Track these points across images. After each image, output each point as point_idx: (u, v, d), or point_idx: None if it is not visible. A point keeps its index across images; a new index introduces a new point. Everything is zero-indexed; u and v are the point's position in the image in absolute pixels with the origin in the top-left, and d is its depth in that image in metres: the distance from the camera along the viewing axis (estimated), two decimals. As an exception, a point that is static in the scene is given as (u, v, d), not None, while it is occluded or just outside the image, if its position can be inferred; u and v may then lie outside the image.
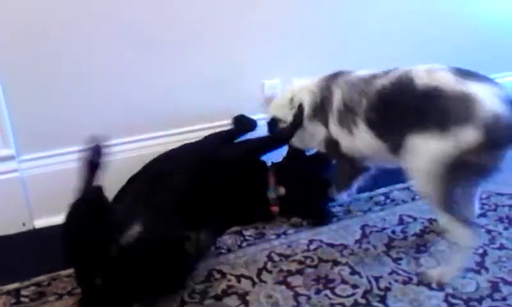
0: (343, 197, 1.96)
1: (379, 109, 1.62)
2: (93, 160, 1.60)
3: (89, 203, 1.51)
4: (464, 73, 1.50)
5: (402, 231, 1.85)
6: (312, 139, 1.89)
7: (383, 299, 1.55)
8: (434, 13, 2.37)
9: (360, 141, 1.70)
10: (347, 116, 1.71)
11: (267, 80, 2.16)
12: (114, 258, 1.45)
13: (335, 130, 1.77)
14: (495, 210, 1.94)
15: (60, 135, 1.83)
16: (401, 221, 1.91)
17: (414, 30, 2.35)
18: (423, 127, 1.48)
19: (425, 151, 1.47)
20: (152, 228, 1.53)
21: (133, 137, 2.01)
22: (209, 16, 1.96)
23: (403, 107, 1.55)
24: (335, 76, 1.80)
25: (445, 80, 1.49)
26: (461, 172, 1.46)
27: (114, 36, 1.85)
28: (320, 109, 1.81)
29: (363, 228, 1.87)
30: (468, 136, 1.40)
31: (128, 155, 1.97)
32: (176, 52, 1.97)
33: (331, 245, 1.79)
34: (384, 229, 1.87)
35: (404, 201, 2.04)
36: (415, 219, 1.91)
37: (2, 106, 1.76)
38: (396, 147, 1.58)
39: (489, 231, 1.82)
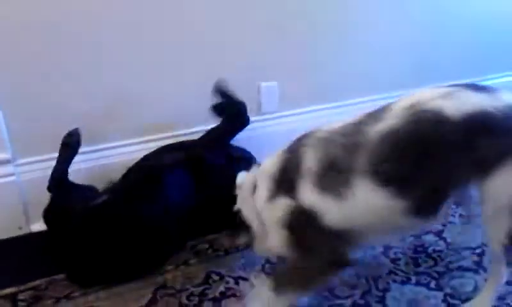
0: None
1: (398, 158, 1.25)
2: (67, 142, 1.73)
3: (53, 184, 1.68)
4: (483, 89, 1.32)
5: (400, 232, 1.85)
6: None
7: (381, 300, 1.55)
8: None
9: (360, 205, 1.28)
10: (332, 176, 1.29)
11: (264, 82, 2.16)
12: (82, 215, 1.59)
13: (313, 198, 1.30)
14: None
15: (56, 138, 1.81)
16: (399, 222, 1.90)
17: (413, 37, 2.37)
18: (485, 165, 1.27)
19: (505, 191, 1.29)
20: (120, 198, 1.65)
21: (130, 140, 2.01)
22: (205, 17, 1.96)
23: (439, 148, 1.25)
24: (299, 139, 1.39)
25: (477, 99, 1.27)
26: None
27: (111, 38, 1.85)
28: (284, 181, 1.36)
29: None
30: None
31: (124, 158, 1.96)
32: (171, 54, 1.96)
33: (329, 247, 1.78)
34: (382, 230, 1.86)
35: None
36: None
37: (-3, 109, 1.75)
38: (428, 202, 1.31)
39: (487, 231, 1.82)
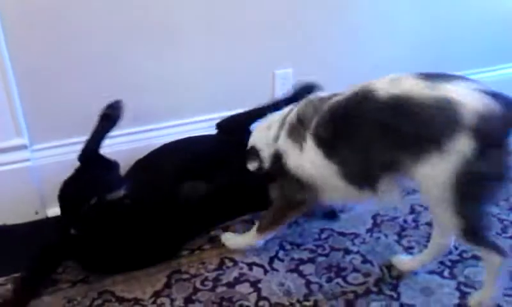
0: (258, 242, 1.71)
1: (329, 126, 1.44)
2: (108, 114, 1.71)
3: (84, 156, 1.67)
4: (434, 77, 1.32)
5: (414, 220, 1.85)
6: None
7: (395, 287, 1.55)
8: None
9: (307, 158, 1.50)
10: (298, 129, 1.53)
11: (279, 70, 2.16)
12: (95, 210, 1.57)
13: (283, 144, 1.58)
14: (506, 199, 1.93)
15: (73, 124, 1.83)
16: (413, 210, 1.90)
17: (417, 25, 2.35)
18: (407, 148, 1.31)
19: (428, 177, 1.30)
20: (137, 194, 1.63)
21: (145, 126, 2.02)
22: (220, 4, 1.96)
23: (360, 124, 1.37)
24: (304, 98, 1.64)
25: (410, 85, 1.31)
26: (471, 190, 1.29)
27: (128, 25, 1.85)
28: (280, 129, 1.63)
29: (374, 217, 1.87)
30: (461, 146, 1.24)
31: (137, 145, 1.98)
32: (187, 42, 1.96)
33: (343, 234, 1.79)
34: (395, 218, 1.86)
35: (415, 190, 2.02)
36: (426, 208, 1.89)
37: (14, 95, 1.76)
38: (357, 173, 1.43)
39: (501, 221, 1.81)
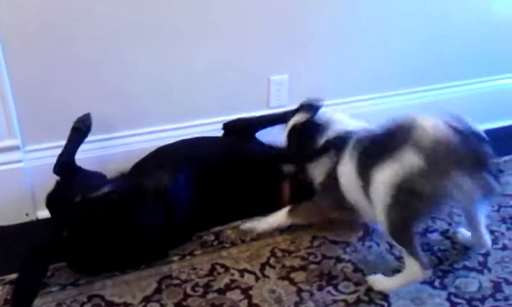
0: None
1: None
2: (78, 127, 1.75)
3: (59, 167, 1.72)
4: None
5: (406, 230, 1.85)
6: None
7: (385, 297, 1.55)
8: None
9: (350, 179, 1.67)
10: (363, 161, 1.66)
11: (274, 76, 2.16)
12: (80, 207, 1.60)
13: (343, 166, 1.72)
14: (498, 210, 1.94)
15: (65, 126, 1.82)
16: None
17: (419, 32, 2.36)
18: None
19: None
20: (122, 190, 1.66)
21: (138, 130, 2.01)
22: (215, 8, 1.96)
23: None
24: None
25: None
26: (403, 200, 1.45)
27: (123, 27, 1.85)
28: None
29: (366, 225, 1.87)
30: (407, 159, 1.42)
31: (132, 147, 1.98)
32: (182, 47, 1.96)
33: (335, 242, 1.79)
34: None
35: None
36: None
37: (8, 96, 1.76)
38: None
39: (492, 232, 1.82)
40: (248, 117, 2.08)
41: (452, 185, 1.40)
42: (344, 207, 1.75)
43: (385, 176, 1.46)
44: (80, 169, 1.76)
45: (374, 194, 1.51)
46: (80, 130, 1.77)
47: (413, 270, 1.52)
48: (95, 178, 1.79)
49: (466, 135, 1.43)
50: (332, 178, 1.74)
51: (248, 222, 1.84)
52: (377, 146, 1.55)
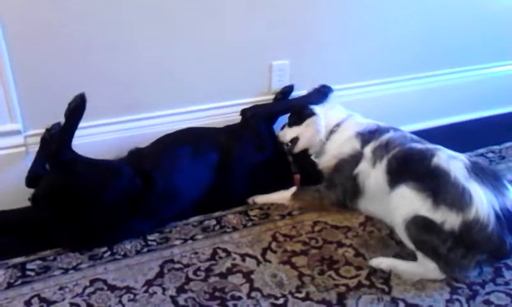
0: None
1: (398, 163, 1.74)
2: (73, 106, 1.65)
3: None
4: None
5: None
6: None
7: (386, 281, 1.56)
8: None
9: (374, 175, 1.78)
10: (381, 150, 1.82)
11: (276, 61, 2.15)
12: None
13: (368, 154, 1.83)
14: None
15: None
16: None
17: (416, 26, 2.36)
18: None
19: None
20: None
21: (139, 115, 2.01)
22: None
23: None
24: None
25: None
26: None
27: (123, 12, 1.83)
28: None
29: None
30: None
31: (130, 133, 1.98)
32: (183, 32, 1.95)
33: (336, 227, 1.80)
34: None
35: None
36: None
37: (9, 80, 1.75)
38: None
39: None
40: (267, 104, 2.14)
41: (469, 262, 1.52)
42: (346, 206, 1.86)
43: (417, 203, 1.56)
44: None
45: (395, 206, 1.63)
46: (78, 108, 1.66)
47: (428, 268, 1.55)
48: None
49: (503, 223, 1.50)
50: (347, 173, 1.83)
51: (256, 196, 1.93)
52: (412, 166, 1.66)
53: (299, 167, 2.02)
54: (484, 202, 1.50)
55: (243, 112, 2.03)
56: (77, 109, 1.64)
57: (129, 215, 1.69)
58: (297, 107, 2.05)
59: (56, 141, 1.66)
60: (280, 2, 2.05)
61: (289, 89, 2.19)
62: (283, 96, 2.18)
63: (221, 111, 2.09)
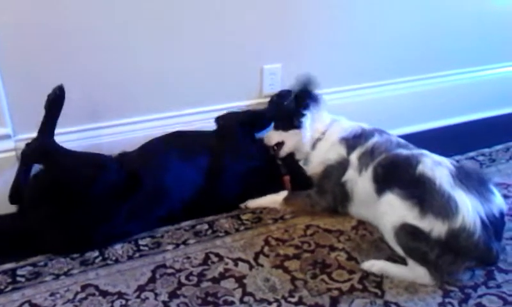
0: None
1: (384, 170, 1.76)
2: (52, 98, 1.70)
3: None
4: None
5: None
6: None
7: (379, 285, 1.56)
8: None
9: (361, 183, 1.79)
10: (367, 157, 1.82)
11: (267, 64, 2.15)
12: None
13: (354, 161, 1.84)
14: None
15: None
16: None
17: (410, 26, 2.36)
18: None
19: None
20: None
21: (128, 119, 2.00)
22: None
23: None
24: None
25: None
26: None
27: (117, 16, 1.83)
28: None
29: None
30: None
31: (120, 137, 1.97)
32: (176, 36, 1.95)
33: (328, 231, 1.80)
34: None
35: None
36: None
37: (-1, 85, 1.74)
38: None
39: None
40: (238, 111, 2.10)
41: (457, 268, 1.55)
42: (337, 211, 1.87)
43: (404, 211, 1.57)
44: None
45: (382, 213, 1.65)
46: (57, 100, 1.71)
47: (419, 273, 1.57)
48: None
49: (489, 230, 1.52)
50: (336, 179, 1.83)
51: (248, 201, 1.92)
52: (398, 174, 1.66)
53: (288, 169, 2.01)
54: (469, 210, 1.50)
55: (216, 120, 2.03)
56: (56, 101, 1.68)
57: (117, 211, 1.68)
58: (262, 117, 2.07)
59: (38, 134, 1.70)
60: (272, 6, 2.05)
61: (287, 93, 2.12)
62: (280, 100, 2.12)
63: (212, 115, 2.08)
